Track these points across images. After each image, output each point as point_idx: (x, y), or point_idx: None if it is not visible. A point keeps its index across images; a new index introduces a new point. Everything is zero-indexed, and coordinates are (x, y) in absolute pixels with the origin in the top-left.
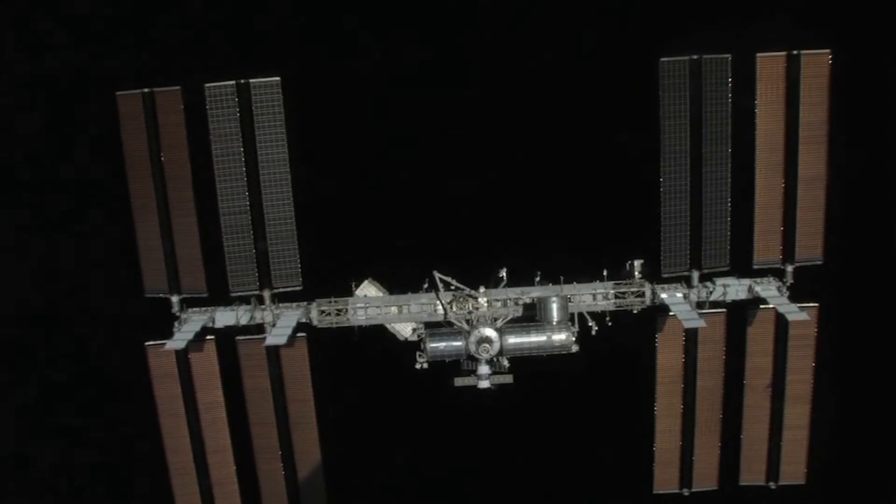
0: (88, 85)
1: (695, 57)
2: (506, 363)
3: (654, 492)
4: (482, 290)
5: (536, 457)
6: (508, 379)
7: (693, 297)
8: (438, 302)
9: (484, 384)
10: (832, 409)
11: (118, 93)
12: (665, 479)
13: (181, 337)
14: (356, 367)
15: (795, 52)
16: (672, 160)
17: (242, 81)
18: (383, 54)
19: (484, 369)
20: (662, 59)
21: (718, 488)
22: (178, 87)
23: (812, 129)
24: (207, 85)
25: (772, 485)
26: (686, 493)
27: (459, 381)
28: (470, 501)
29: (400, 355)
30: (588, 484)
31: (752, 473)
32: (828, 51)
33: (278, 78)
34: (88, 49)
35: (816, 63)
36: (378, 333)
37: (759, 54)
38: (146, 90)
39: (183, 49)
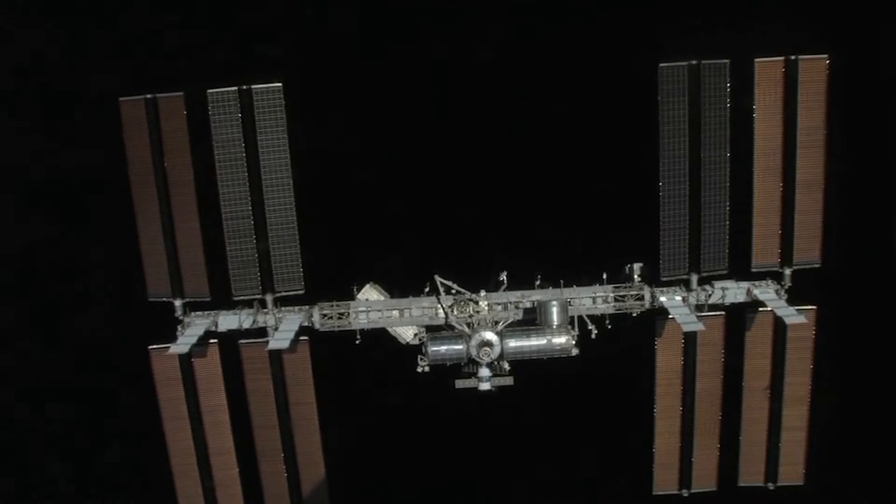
0: (90, 89)
1: (693, 62)
2: (506, 366)
3: (654, 493)
4: (483, 293)
5: (537, 458)
6: (509, 381)
7: (692, 300)
8: (439, 306)
9: (485, 387)
10: (830, 410)
11: (121, 98)
12: (664, 480)
13: (184, 341)
14: (358, 370)
15: (793, 57)
16: (671, 164)
17: (245, 87)
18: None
19: (485, 372)
20: (661, 65)
21: (717, 489)
22: (180, 93)
23: (810, 134)
24: (210, 91)
25: (770, 485)
26: (685, 494)
27: (460, 384)
28: (471, 502)
29: (401, 359)
30: (588, 485)
31: (750, 474)
32: (825, 56)
33: (280, 84)
34: (89, 52)
35: (814, 68)
36: (379, 337)
37: (757, 59)
38: (149, 96)
39: (185, 55)
